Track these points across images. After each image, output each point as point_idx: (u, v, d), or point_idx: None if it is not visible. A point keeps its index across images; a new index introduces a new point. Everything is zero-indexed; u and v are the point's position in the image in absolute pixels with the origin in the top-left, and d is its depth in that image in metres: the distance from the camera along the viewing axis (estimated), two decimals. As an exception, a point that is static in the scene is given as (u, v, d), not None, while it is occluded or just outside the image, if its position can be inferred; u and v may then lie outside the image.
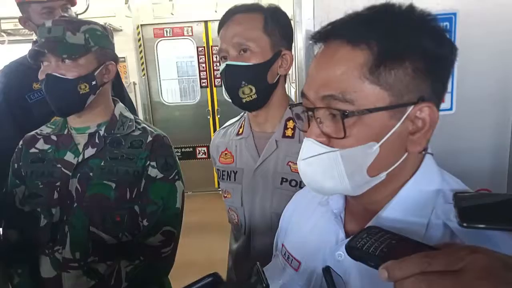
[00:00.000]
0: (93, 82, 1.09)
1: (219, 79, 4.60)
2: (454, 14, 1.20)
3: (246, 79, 1.02)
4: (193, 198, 4.44)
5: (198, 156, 4.76)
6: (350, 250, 0.47)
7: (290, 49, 1.10)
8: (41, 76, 1.07)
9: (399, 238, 0.46)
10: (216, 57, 4.46)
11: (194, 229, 3.50)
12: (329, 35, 0.57)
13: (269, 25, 1.03)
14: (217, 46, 1.09)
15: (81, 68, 1.07)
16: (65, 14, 1.65)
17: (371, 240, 0.46)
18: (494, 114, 1.25)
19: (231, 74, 1.02)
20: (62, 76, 1.05)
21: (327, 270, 0.51)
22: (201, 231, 3.49)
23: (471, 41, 1.20)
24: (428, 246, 0.43)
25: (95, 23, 1.14)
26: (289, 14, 1.17)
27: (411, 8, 0.55)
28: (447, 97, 1.24)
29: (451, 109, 1.25)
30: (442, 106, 1.24)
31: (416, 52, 0.52)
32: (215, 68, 4.59)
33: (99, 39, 1.12)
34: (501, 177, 1.27)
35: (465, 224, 0.44)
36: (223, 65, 1.03)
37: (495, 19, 1.19)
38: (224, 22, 1.06)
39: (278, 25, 1.05)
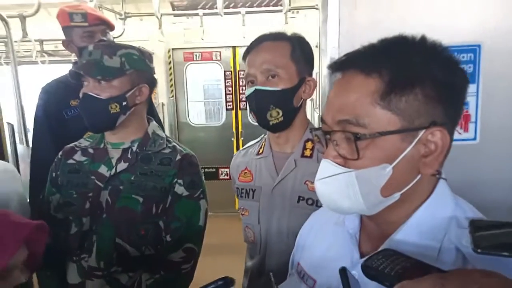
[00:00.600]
0: (124, 103, 1.14)
1: (245, 102, 4.68)
2: (479, 46, 1.22)
3: (274, 103, 1.07)
4: (214, 218, 4.43)
5: (220, 177, 4.81)
6: (366, 269, 0.48)
7: (312, 75, 1.15)
8: (80, 94, 1.15)
9: (414, 261, 0.47)
10: (243, 81, 4.57)
11: (214, 250, 3.50)
12: (345, 65, 0.61)
13: (296, 53, 1.09)
14: (244, 70, 1.14)
15: (114, 89, 1.13)
16: (104, 38, 1.77)
17: (386, 261, 0.47)
18: (519, 145, 1.23)
19: (260, 98, 1.07)
20: (96, 96, 1.12)
21: (343, 271, 0.53)
22: (220, 251, 3.49)
23: (496, 73, 1.21)
24: (442, 270, 0.44)
25: (133, 48, 1.19)
26: (315, 42, 1.23)
27: (423, 39, 0.59)
28: (471, 126, 1.24)
29: (475, 139, 1.25)
30: (466, 135, 1.26)
31: (426, 80, 0.55)
32: (241, 91, 4.69)
33: (135, 62, 1.17)
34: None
35: (479, 250, 0.45)
36: (251, 89, 1.08)
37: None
38: (252, 48, 1.11)
39: (303, 53, 1.11)
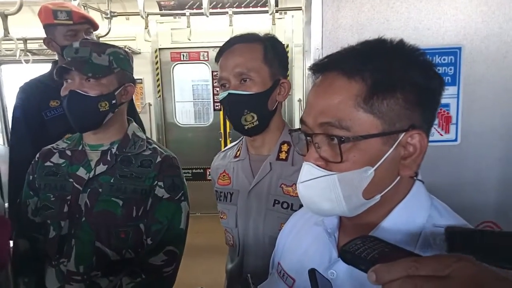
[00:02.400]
0: (113, 101, 1.14)
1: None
2: (459, 48, 1.23)
3: (248, 107, 1.05)
4: (201, 219, 4.43)
5: (208, 178, 4.78)
6: (344, 253, 0.48)
7: (286, 77, 1.13)
8: (63, 92, 1.12)
9: (392, 246, 0.48)
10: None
11: (201, 251, 3.49)
12: (326, 67, 0.61)
13: (269, 55, 1.06)
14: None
15: (103, 87, 1.13)
16: (87, 37, 1.74)
17: (364, 246, 0.48)
18: (499, 148, 1.25)
19: (234, 102, 1.05)
20: (84, 93, 1.10)
21: (312, 272, 0.52)
22: (208, 252, 3.47)
23: (477, 77, 1.22)
24: (419, 256, 0.44)
25: (119, 47, 1.20)
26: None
27: (401, 43, 0.59)
28: (452, 128, 1.26)
29: (456, 140, 1.26)
30: (447, 137, 1.27)
31: (406, 85, 0.56)
32: (228, 92, 4.68)
33: (122, 62, 1.18)
34: (506, 209, 1.26)
35: None
36: (224, 93, 1.06)
37: (500, 56, 1.21)
38: (224, 51, 1.08)
39: (276, 55, 1.08)
